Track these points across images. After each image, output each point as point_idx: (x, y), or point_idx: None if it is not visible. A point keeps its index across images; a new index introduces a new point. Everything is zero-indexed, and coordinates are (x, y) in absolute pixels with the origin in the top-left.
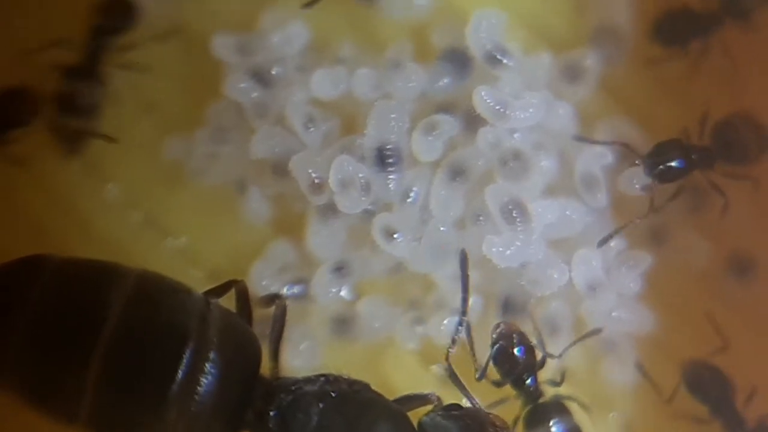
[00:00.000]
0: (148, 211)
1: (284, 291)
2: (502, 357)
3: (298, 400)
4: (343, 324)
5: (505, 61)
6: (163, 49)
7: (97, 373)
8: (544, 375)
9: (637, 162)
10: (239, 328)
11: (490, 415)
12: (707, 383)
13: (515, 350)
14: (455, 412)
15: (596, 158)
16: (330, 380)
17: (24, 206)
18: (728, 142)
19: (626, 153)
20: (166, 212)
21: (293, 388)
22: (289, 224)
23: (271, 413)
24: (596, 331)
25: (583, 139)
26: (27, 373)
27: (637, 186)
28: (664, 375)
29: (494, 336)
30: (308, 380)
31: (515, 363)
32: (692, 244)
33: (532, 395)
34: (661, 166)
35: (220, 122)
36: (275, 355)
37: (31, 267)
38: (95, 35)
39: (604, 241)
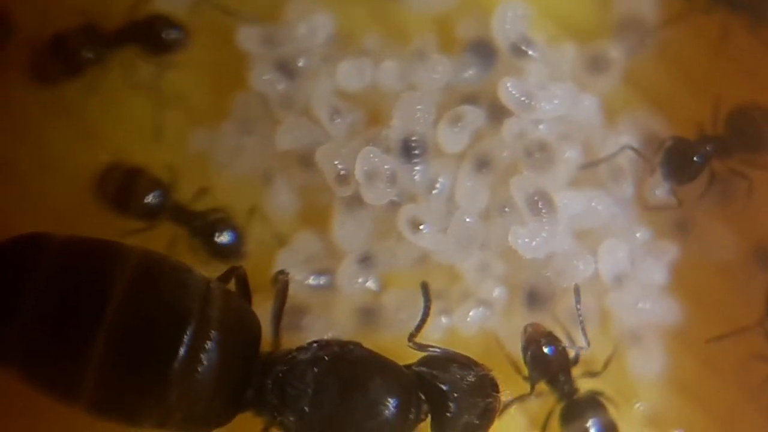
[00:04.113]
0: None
1: (310, 281)
2: (534, 361)
3: (292, 369)
4: (368, 315)
5: (530, 52)
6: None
7: (100, 351)
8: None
9: (654, 170)
10: (239, 307)
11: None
12: None
13: (546, 352)
14: (447, 353)
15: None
16: (322, 345)
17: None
18: (743, 130)
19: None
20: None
21: (288, 358)
22: (314, 215)
23: (269, 386)
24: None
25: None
26: (30, 353)
27: (658, 193)
28: (689, 366)
29: (523, 341)
30: (301, 349)
31: (548, 365)
32: (717, 235)
33: (567, 392)
34: (677, 171)
35: (246, 114)
36: (276, 329)
37: (32, 245)
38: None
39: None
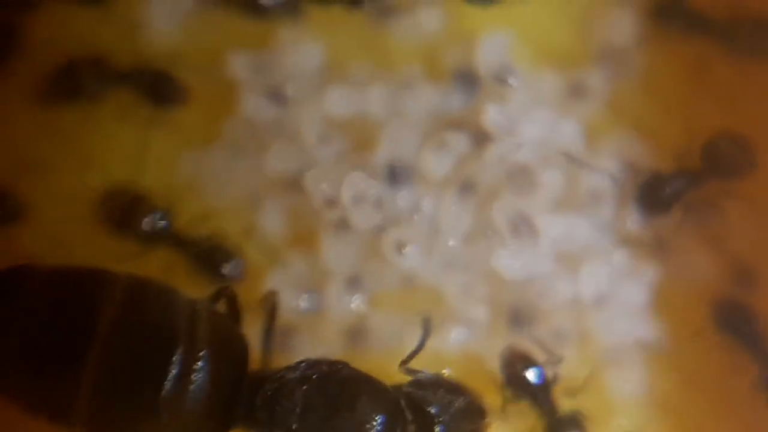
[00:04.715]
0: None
1: (299, 302)
2: (512, 384)
3: (281, 388)
4: (356, 335)
5: (512, 80)
6: (179, 67)
7: (91, 378)
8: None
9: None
10: (227, 327)
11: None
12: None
13: (524, 374)
14: (437, 378)
15: (602, 173)
16: (310, 364)
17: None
18: (718, 159)
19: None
20: (187, 229)
21: (277, 376)
22: (303, 238)
23: (258, 404)
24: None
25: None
26: (21, 381)
27: (632, 226)
28: (669, 385)
29: (500, 364)
30: (290, 368)
31: (526, 386)
32: (696, 255)
33: (547, 411)
34: (650, 206)
35: (236, 139)
36: (266, 349)
37: (18, 276)
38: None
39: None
